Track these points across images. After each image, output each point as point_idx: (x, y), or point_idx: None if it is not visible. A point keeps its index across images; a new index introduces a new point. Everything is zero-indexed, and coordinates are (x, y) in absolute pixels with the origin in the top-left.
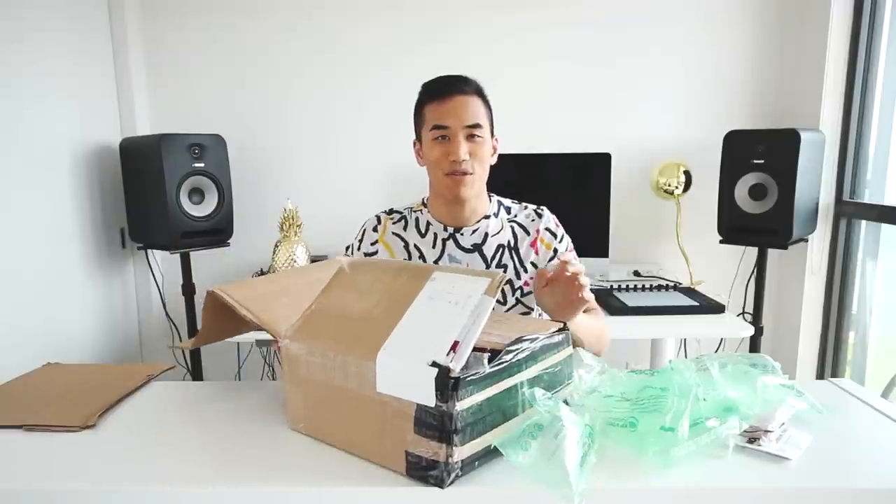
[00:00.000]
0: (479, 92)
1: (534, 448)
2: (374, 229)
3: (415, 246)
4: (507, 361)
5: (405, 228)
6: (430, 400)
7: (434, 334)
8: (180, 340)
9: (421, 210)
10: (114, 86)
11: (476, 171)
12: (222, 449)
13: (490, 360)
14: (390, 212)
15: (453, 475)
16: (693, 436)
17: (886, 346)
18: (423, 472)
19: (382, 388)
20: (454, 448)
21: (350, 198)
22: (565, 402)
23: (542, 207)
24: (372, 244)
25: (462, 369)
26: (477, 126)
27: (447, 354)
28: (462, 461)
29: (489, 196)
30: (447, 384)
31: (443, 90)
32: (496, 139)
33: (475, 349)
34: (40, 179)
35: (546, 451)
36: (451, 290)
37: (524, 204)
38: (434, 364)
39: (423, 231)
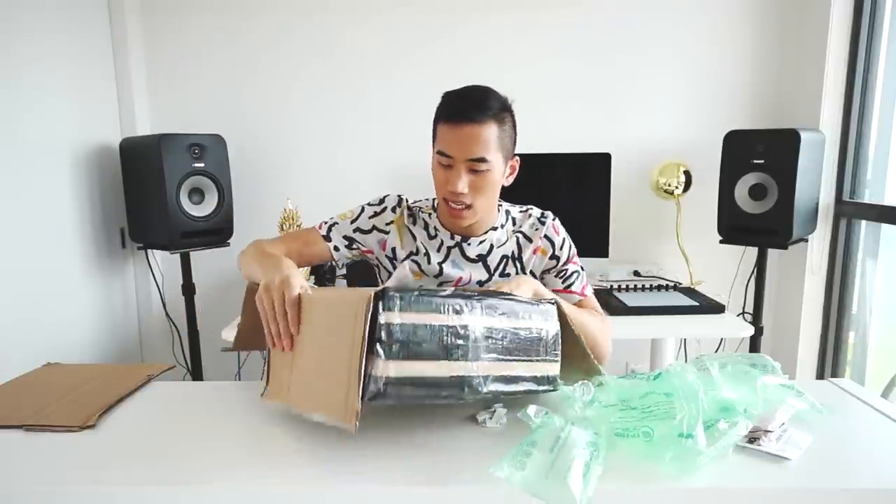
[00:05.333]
0: (498, 116)
1: (529, 467)
2: (394, 210)
3: (422, 243)
4: (447, 293)
5: (414, 224)
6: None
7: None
8: (181, 342)
9: (430, 213)
10: (114, 86)
11: (475, 203)
12: (222, 449)
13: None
14: (407, 203)
15: (376, 388)
16: (709, 440)
17: (886, 346)
18: (365, 391)
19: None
20: (378, 360)
21: (350, 198)
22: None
23: (546, 214)
24: (386, 224)
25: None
26: (481, 160)
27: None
28: (387, 378)
29: (499, 204)
30: (379, 296)
31: (456, 115)
32: (515, 159)
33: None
34: (40, 179)
35: (543, 467)
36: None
37: (529, 212)
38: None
39: (431, 234)
